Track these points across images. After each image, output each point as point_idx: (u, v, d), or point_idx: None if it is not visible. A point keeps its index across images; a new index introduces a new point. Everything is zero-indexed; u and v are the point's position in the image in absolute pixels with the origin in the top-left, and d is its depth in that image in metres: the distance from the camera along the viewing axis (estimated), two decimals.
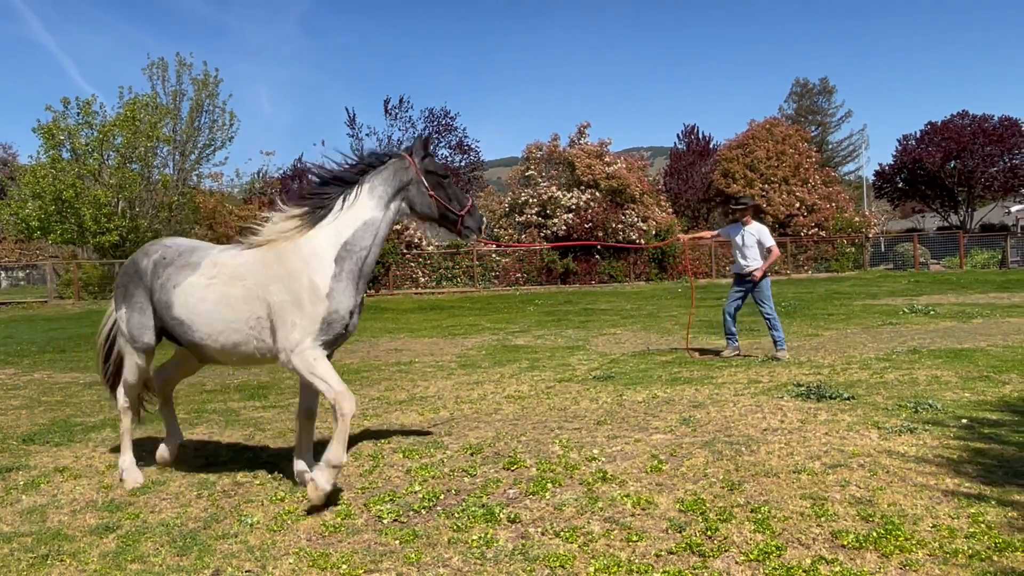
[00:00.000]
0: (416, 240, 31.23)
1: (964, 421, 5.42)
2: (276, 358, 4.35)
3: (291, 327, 4.22)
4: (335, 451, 4.07)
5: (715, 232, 10.73)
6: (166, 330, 4.69)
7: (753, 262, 9.28)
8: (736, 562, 3.26)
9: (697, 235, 11.42)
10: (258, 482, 4.68)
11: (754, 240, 9.30)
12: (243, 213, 30.45)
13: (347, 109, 42.58)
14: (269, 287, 4.29)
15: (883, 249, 38.58)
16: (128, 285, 4.79)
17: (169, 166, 34.51)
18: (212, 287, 4.45)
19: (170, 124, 33.95)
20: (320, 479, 4.04)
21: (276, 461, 5.12)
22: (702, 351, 9.86)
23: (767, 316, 9.23)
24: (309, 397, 4.65)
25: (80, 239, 31.50)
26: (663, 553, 3.37)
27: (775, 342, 9.14)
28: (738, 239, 9.36)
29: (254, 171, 38.51)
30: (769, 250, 9.33)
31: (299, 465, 4.58)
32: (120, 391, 4.99)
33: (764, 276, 9.29)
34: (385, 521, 3.92)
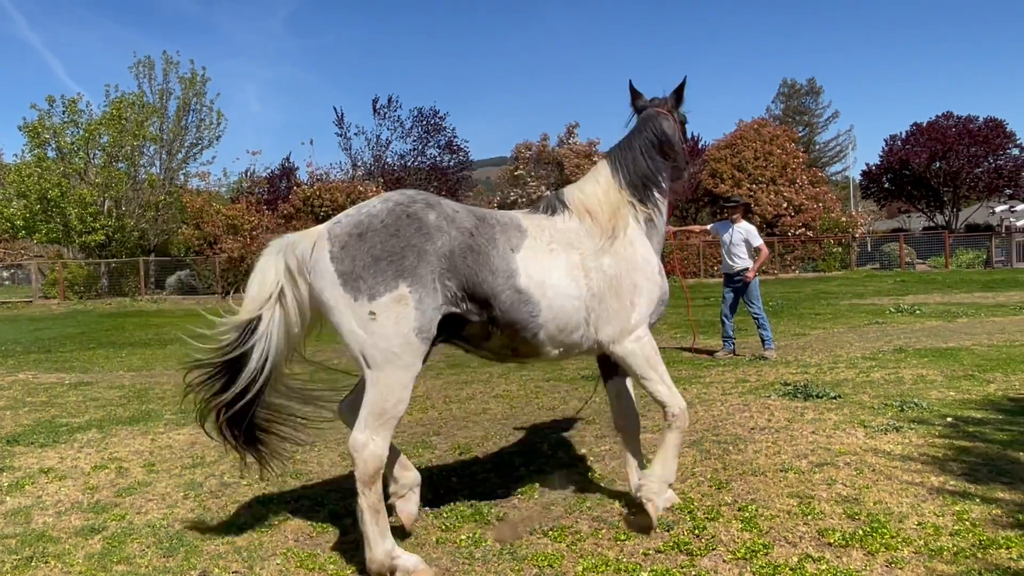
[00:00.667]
0: None
1: (949, 419, 5.46)
2: (590, 350, 3.76)
3: (629, 308, 3.66)
4: (670, 467, 3.70)
5: (705, 227, 10.77)
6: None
7: (740, 261, 9.36)
8: (723, 560, 3.27)
9: (687, 229, 11.47)
10: (245, 483, 4.66)
11: (741, 239, 9.37)
12: (230, 212, 30.31)
13: (335, 108, 42.41)
14: (603, 259, 3.66)
15: (870, 249, 38.80)
16: (405, 251, 3.26)
17: (156, 165, 34.34)
18: (555, 254, 3.58)
19: (157, 123, 33.79)
20: (658, 500, 3.63)
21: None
22: (695, 350, 9.89)
23: (755, 315, 9.30)
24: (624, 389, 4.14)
25: (65, 238, 31.30)
26: (651, 552, 3.38)
27: (763, 341, 9.19)
28: (726, 237, 9.46)
29: (242, 170, 38.36)
30: (757, 249, 9.41)
31: (636, 478, 3.91)
32: (371, 447, 3.20)
33: (745, 276, 9.37)
34: None
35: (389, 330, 3.18)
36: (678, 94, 4.20)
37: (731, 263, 9.41)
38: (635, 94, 4.26)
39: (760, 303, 9.39)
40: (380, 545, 3.21)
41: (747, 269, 9.35)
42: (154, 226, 33.84)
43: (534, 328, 3.49)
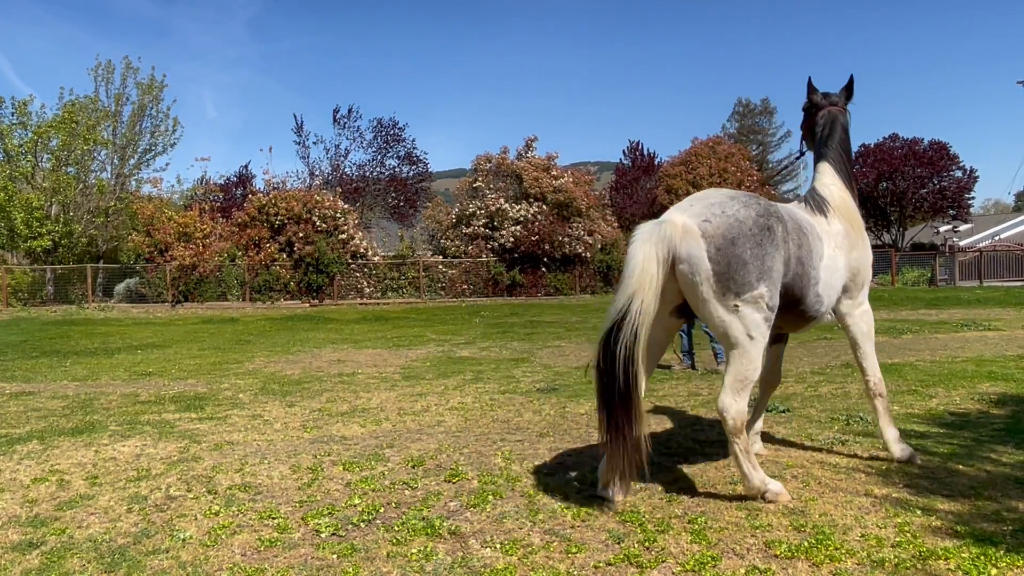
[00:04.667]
0: (362, 250, 30.97)
1: None
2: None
3: (861, 286, 4.63)
4: (893, 427, 4.81)
5: None
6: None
7: None
8: (673, 572, 3.30)
9: None
10: (192, 496, 4.57)
11: None
12: (183, 220, 29.75)
13: (295, 116, 42.11)
14: (852, 252, 4.57)
15: None
16: (766, 255, 3.92)
17: (107, 170, 33.58)
18: (836, 258, 4.44)
19: (110, 127, 33.08)
20: (898, 450, 4.74)
21: (212, 474, 5.00)
22: (662, 365, 9.94)
23: (707, 329, 9.40)
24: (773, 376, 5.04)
25: (10, 243, 30.40)
26: (601, 564, 3.40)
27: (716, 355, 9.33)
28: None
29: (196, 177, 37.71)
30: None
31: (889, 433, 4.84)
32: (736, 406, 3.95)
33: None
34: (323, 535, 3.87)
35: (748, 321, 3.91)
36: (849, 90, 4.89)
37: None
38: (812, 88, 4.93)
39: None
40: (755, 475, 4.06)
41: None
42: (103, 232, 33.04)
43: (815, 318, 4.43)
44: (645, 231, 4.02)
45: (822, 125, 4.84)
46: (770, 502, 4.05)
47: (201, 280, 29.12)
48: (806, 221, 4.38)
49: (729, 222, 3.90)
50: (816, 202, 4.63)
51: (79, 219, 31.71)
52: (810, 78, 4.90)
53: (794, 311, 4.27)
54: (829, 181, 4.72)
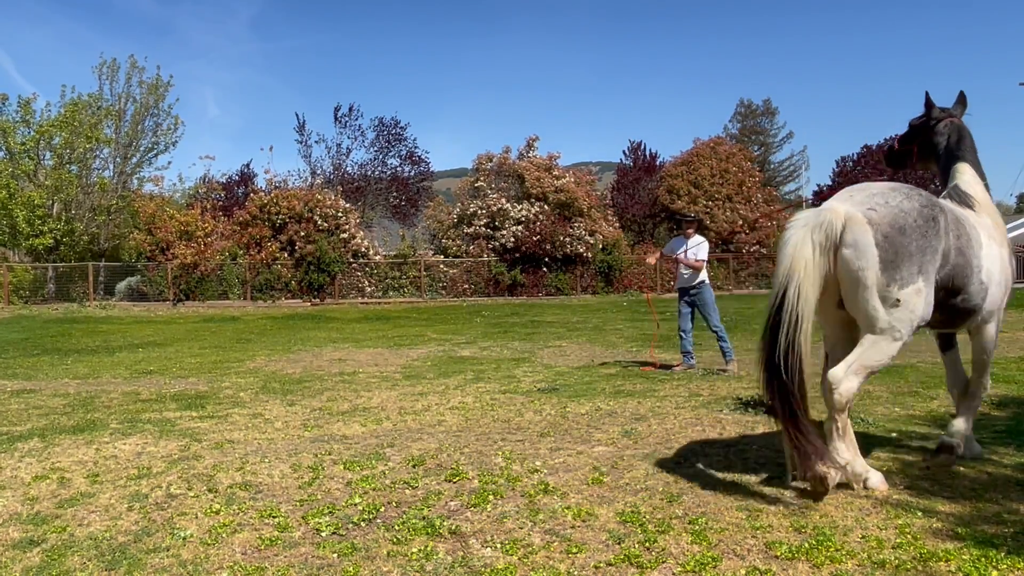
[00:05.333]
0: (363, 249, 30.98)
1: (894, 435, 5.60)
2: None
3: (1003, 290, 4.48)
4: (968, 422, 4.75)
5: (661, 251, 10.59)
6: None
7: (695, 275, 9.51)
8: (673, 573, 3.30)
9: (643, 258, 11.52)
10: (193, 494, 4.57)
11: (695, 253, 9.54)
12: (184, 218, 29.77)
13: (297, 115, 42.13)
14: (1002, 250, 4.48)
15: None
16: (926, 250, 3.92)
17: (109, 168, 33.60)
18: (991, 248, 4.39)
19: (112, 125, 33.10)
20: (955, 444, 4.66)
21: (212, 473, 5.00)
22: (657, 366, 9.92)
23: (714, 328, 9.41)
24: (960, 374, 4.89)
25: (12, 241, 30.43)
26: (602, 565, 3.40)
27: (724, 354, 9.31)
28: (681, 252, 9.58)
29: (198, 176, 37.73)
30: (696, 259, 9.53)
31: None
32: (848, 384, 3.96)
33: (704, 287, 9.50)
34: (323, 534, 3.87)
35: (903, 314, 3.88)
36: (963, 103, 5.06)
37: (687, 276, 9.54)
38: (930, 103, 5.08)
39: (718, 316, 9.52)
40: (857, 461, 4.13)
41: (703, 282, 9.50)
42: (105, 230, 33.07)
43: (976, 310, 4.32)
44: (802, 219, 4.05)
45: (947, 134, 4.99)
46: (869, 489, 4.11)
47: (202, 279, 29.14)
48: (960, 212, 4.41)
49: (895, 212, 3.91)
50: (961, 197, 4.66)
51: (81, 217, 31.76)
52: (927, 92, 5.10)
53: (954, 301, 4.22)
54: (971, 179, 4.79)
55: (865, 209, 3.94)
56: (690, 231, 9.73)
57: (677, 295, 9.84)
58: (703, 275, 9.53)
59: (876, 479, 4.19)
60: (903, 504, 4.05)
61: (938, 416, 6.26)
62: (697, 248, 9.54)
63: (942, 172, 4.99)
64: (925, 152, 5.15)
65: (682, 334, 9.58)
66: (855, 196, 4.08)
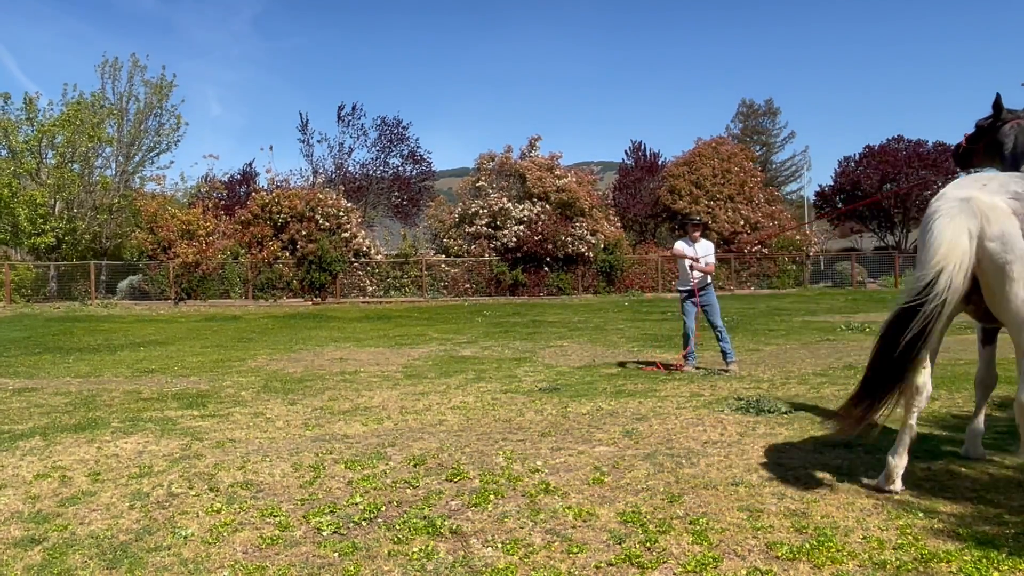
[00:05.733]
0: (365, 249, 30.98)
1: (895, 435, 5.58)
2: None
3: None
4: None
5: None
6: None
7: (698, 276, 9.54)
8: (674, 573, 3.30)
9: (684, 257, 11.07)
10: (194, 493, 4.57)
11: (704, 256, 9.57)
12: (187, 217, 29.78)
13: (300, 114, 42.17)
14: None
15: (823, 267, 39.63)
16: None
17: (111, 167, 33.62)
18: None
19: (115, 124, 33.11)
20: None
21: (214, 472, 5.00)
22: (667, 366, 9.85)
23: (717, 329, 9.41)
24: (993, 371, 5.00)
25: (14, 240, 30.47)
26: (603, 565, 3.40)
27: (724, 354, 9.32)
28: (690, 253, 9.58)
29: (200, 175, 37.70)
30: (707, 264, 9.56)
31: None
32: None
33: (711, 288, 9.54)
34: (324, 533, 3.87)
35: None
36: None
37: (695, 277, 9.53)
38: (1000, 105, 5.10)
39: (720, 317, 9.54)
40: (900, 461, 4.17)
41: (710, 284, 9.58)
42: (107, 229, 33.09)
43: None
44: (951, 206, 3.91)
45: (1013, 135, 5.04)
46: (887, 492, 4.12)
47: (204, 278, 29.15)
48: None
49: None
50: None
51: (83, 216, 31.76)
52: (999, 95, 5.13)
53: None
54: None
55: (1008, 199, 3.83)
56: (696, 234, 9.76)
57: (682, 296, 9.80)
58: (709, 277, 9.60)
59: (897, 487, 4.22)
60: (904, 505, 4.05)
61: (940, 417, 6.26)
62: (708, 254, 9.61)
63: (1009, 171, 5.04)
64: (991, 151, 5.22)
65: (689, 334, 9.61)
66: (989, 185, 3.95)
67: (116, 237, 33.91)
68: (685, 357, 9.62)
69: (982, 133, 5.28)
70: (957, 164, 5.54)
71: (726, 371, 9.09)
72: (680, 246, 9.93)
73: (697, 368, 9.46)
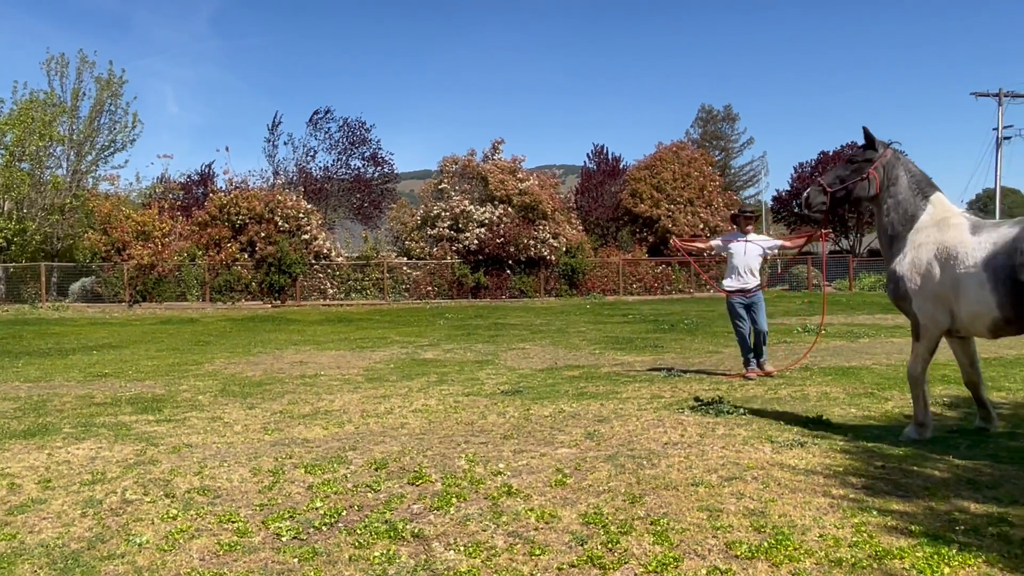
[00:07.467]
0: (325, 251, 30.68)
1: (850, 435, 5.71)
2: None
3: None
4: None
5: (711, 244, 9.57)
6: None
7: (755, 278, 8.92)
8: (635, 573, 3.32)
9: (689, 244, 10.65)
10: (149, 499, 4.48)
11: (757, 252, 8.89)
12: (141, 218, 29.17)
13: (275, 114, 41.76)
14: None
15: (779, 270, 40.29)
16: None
17: (63, 167, 32.78)
18: None
19: (67, 123, 32.30)
20: None
21: (169, 477, 4.90)
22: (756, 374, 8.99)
23: (764, 333, 8.93)
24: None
25: None
26: (564, 566, 3.41)
27: (761, 356, 8.91)
28: (740, 250, 8.87)
29: (156, 175, 37.02)
30: (782, 247, 9.38)
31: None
32: None
33: (760, 289, 8.95)
34: (284, 539, 3.82)
35: None
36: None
37: (747, 279, 8.86)
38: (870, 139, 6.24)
39: (765, 318, 9.00)
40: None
41: (759, 285, 8.97)
42: (58, 230, 32.26)
43: None
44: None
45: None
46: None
47: (160, 280, 28.59)
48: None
49: None
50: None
51: (33, 216, 30.93)
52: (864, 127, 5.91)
53: None
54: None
55: None
56: (749, 227, 9.03)
57: (731, 296, 8.97)
58: (758, 277, 8.95)
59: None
60: (859, 503, 4.13)
61: (893, 417, 6.40)
62: (765, 243, 9.05)
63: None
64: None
65: (745, 338, 8.89)
66: None
67: (68, 238, 33.07)
68: (748, 363, 8.91)
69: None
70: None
71: (770, 374, 8.66)
72: (723, 240, 9.19)
73: (760, 375, 8.80)
